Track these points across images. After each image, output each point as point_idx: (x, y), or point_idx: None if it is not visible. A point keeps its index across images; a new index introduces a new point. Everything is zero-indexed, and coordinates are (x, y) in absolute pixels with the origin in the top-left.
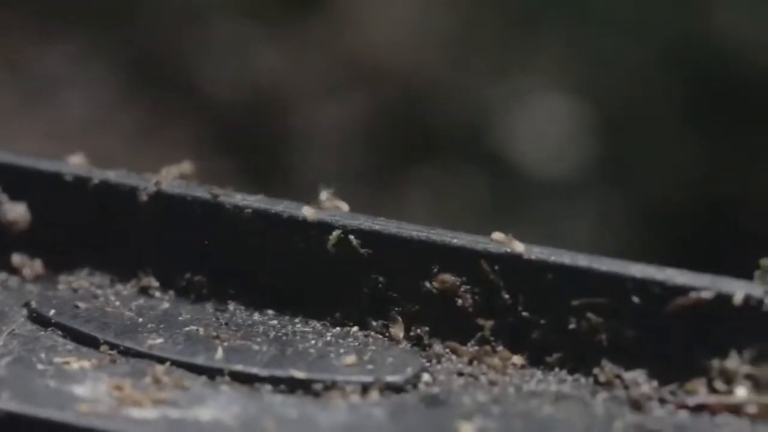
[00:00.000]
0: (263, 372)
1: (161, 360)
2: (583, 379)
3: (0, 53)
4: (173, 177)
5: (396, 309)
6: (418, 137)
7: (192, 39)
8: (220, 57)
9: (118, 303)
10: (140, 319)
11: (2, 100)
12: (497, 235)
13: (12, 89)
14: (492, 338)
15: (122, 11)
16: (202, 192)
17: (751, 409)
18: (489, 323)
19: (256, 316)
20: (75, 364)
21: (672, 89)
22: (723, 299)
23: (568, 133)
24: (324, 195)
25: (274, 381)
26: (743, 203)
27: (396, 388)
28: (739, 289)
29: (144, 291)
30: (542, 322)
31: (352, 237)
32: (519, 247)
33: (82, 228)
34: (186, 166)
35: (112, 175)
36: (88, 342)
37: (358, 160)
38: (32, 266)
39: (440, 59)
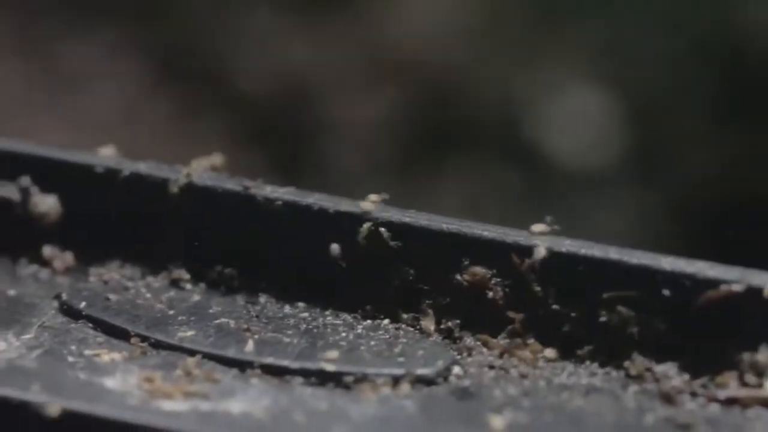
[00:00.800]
0: (294, 364)
1: (192, 352)
2: (614, 372)
3: (30, 45)
4: (204, 169)
5: (427, 302)
6: (449, 129)
7: (223, 31)
8: (251, 49)
9: (149, 295)
10: (171, 312)
11: (32, 92)
12: (538, 227)
13: (42, 81)
14: (523, 331)
15: (154, 3)
16: (232, 184)
17: None
18: (520, 316)
19: (287, 308)
20: (105, 357)
21: (704, 82)
22: (753, 292)
23: (600, 125)
24: (374, 197)
25: (305, 373)
26: None
27: (427, 381)
28: None
29: (175, 283)
30: (573, 315)
31: (382, 229)
32: (556, 244)
33: (112, 220)
34: (217, 158)
35: (143, 167)
36: (119, 334)
37: (389, 152)
38: (63, 258)
39: (471, 51)
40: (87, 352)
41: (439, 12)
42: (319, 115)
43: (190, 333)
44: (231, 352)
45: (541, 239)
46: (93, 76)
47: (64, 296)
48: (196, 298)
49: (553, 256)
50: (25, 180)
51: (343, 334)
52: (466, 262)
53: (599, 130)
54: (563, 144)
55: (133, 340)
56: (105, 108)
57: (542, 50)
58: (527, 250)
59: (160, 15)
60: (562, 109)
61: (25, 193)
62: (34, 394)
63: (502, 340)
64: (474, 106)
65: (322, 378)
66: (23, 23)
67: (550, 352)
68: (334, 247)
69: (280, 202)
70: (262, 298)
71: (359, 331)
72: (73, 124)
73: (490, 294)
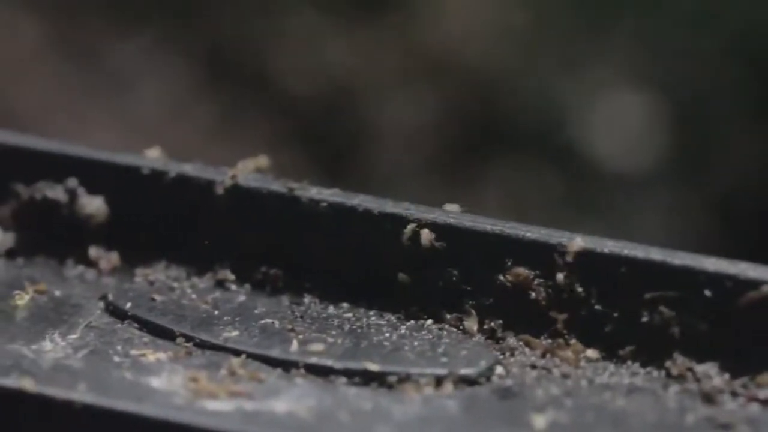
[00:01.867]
0: (338, 364)
1: (237, 352)
2: (655, 372)
3: (76, 46)
4: (249, 170)
5: (470, 302)
6: (492, 131)
7: (267, 32)
8: (295, 50)
9: (194, 296)
10: (216, 312)
11: (78, 93)
12: (577, 241)
13: (87, 82)
14: (565, 331)
15: (198, 4)
16: (278, 185)
17: None
18: (562, 316)
19: (331, 309)
20: (151, 356)
21: (744, 82)
22: None
23: (640, 126)
24: (453, 207)
25: (349, 373)
26: None
27: (469, 381)
28: None
29: (220, 284)
30: (615, 315)
31: (426, 230)
32: (599, 244)
33: (158, 221)
34: (262, 160)
35: (189, 169)
36: (165, 334)
37: (432, 153)
38: (109, 259)
39: (513, 53)
40: (132, 352)
41: (482, 13)
42: (363, 116)
43: (234, 333)
44: (275, 352)
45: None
46: (138, 77)
47: (110, 297)
48: (241, 298)
49: (596, 256)
50: (72, 181)
51: (387, 335)
52: (509, 263)
53: (640, 131)
54: (605, 145)
55: (178, 340)
56: (150, 109)
57: (584, 52)
58: (570, 251)
59: (205, 16)
60: (604, 111)
61: (72, 194)
62: (81, 394)
63: (544, 341)
64: (517, 107)
65: (365, 378)
66: (68, 25)
67: (592, 353)
68: (380, 248)
69: (325, 204)
70: (307, 299)
71: (403, 331)
72: (118, 125)
73: (533, 294)
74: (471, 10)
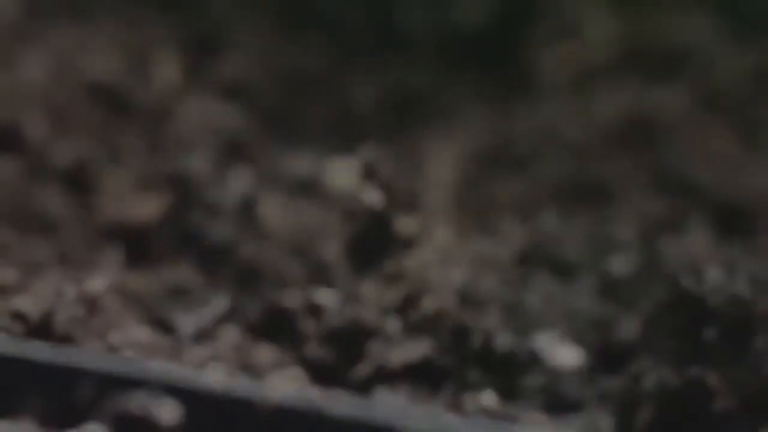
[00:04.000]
0: None
1: None
2: None
3: (151, 315)
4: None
5: None
6: (476, 373)
7: (300, 299)
8: (323, 316)
9: None
10: None
11: (154, 349)
12: None
13: (160, 342)
14: None
15: (247, 279)
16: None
17: None
18: None
19: None
20: None
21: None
22: None
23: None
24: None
25: None
26: None
27: None
28: None
29: None
30: None
31: None
32: None
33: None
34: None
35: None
36: None
37: (427, 390)
38: None
39: (486, 316)
40: None
41: (464, 284)
42: (374, 360)
43: None
44: None
45: None
46: (201, 335)
47: None
48: None
49: None
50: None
51: None
52: None
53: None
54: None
55: None
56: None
57: (540, 314)
58: None
59: (254, 287)
60: (549, 356)
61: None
62: None
63: None
64: (489, 360)
65: None
66: (146, 296)
67: None
68: None
69: (344, 413)
70: None
71: None
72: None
73: None
74: (456, 282)
